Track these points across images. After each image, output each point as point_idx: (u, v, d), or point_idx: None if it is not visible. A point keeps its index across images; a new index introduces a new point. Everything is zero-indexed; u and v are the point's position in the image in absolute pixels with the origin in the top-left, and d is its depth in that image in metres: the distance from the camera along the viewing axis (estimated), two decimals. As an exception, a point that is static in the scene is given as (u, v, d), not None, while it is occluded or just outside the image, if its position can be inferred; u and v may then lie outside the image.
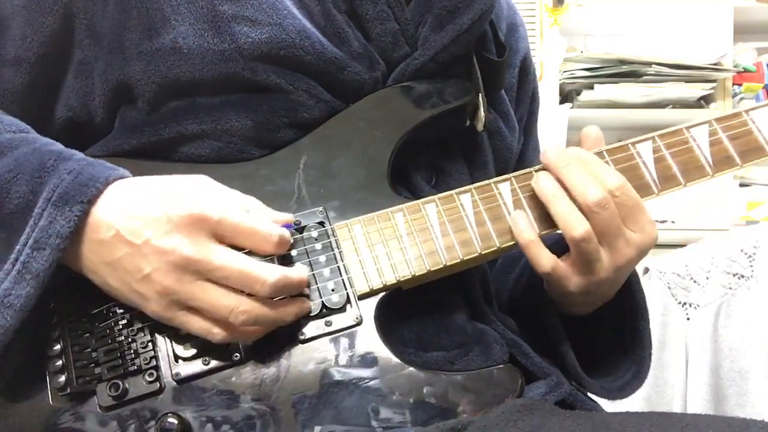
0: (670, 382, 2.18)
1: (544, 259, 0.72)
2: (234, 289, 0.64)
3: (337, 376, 0.68)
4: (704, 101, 2.58)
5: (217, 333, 0.64)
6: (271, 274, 0.63)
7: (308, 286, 0.70)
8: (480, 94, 0.83)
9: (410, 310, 0.77)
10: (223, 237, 0.64)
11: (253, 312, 0.64)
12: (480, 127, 0.83)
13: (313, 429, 0.65)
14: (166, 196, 0.65)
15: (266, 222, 0.66)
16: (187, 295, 0.63)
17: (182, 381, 0.66)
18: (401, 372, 0.68)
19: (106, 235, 0.64)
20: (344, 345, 0.69)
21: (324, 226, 0.73)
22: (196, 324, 0.65)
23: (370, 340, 0.69)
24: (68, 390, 0.65)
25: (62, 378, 0.65)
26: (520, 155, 1.01)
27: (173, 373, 0.66)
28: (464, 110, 0.82)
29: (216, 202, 0.64)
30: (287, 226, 0.69)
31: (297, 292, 0.68)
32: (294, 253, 0.71)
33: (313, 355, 0.68)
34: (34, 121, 0.77)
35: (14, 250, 0.63)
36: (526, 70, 1.01)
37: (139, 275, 0.63)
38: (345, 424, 0.66)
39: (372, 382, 0.68)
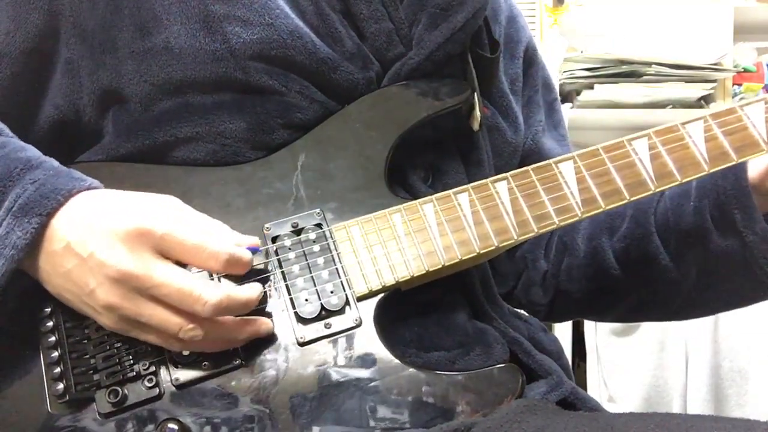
0: (670, 382, 2.18)
1: None
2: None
3: (337, 379, 0.67)
4: (704, 101, 2.58)
5: (176, 346, 0.64)
6: (213, 294, 0.62)
7: (305, 288, 0.70)
8: (475, 94, 0.83)
9: (411, 311, 0.76)
10: (168, 253, 0.63)
11: (200, 332, 0.63)
12: (476, 126, 0.83)
13: (313, 432, 0.65)
14: (118, 210, 0.64)
15: (217, 239, 0.64)
16: (134, 311, 0.62)
17: (182, 386, 0.66)
18: (401, 373, 0.68)
19: (58, 246, 0.63)
20: (344, 347, 0.69)
21: (321, 228, 0.73)
22: (151, 338, 0.64)
23: (369, 342, 0.69)
24: (67, 397, 0.65)
25: (61, 385, 0.65)
26: (537, 149, 0.99)
27: (172, 378, 0.66)
28: (460, 110, 0.82)
29: (165, 218, 0.63)
30: (253, 249, 0.67)
31: (244, 311, 0.66)
32: (292, 255, 0.71)
33: (312, 358, 0.68)
34: (19, 117, 0.77)
35: None
36: (530, 59, 1.01)
37: (87, 289, 0.62)
38: (345, 427, 0.66)
39: (372, 384, 0.67)
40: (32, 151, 0.70)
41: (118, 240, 0.62)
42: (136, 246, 0.62)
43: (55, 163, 0.69)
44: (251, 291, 0.66)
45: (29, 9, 0.76)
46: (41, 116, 0.79)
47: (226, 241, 0.66)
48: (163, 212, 0.64)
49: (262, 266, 0.69)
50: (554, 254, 0.99)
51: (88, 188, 0.66)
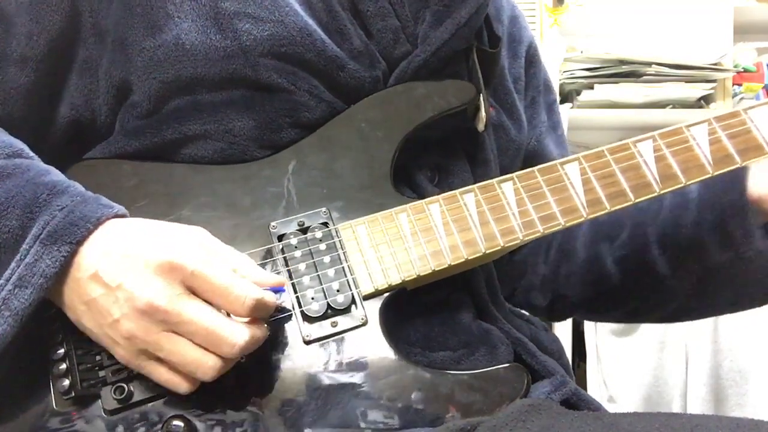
0: (670, 382, 2.19)
1: None
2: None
3: (343, 377, 0.67)
4: (704, 101, 2.58)
5: (184, 387, 0.63)
6: (241, 336, 0.61)
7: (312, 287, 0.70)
8: (481, 95, 0.83)
9: (416, 310, 0.76)
10: (197, 290, 0.62)
11: (220, 368, 0.62)
12: (481, 127, 0.83)
13: (320, 430, 0.65)
14: (148, 240, 0.63)
15: (245, 283, 0.63)
16: (154, 345, 0.62)
17: (187, 383, 0.66)
18: (407, 372, 0.68)
19: (85, 274, 0.62)
20: (350, 345, 0.69)
21: (328, 227, 0.73)
22: (163, 375, 0.63)
23: (375, 341, 0.69)
24: (72, 394, 0.65)
25: (66, 382, 0.65)
26: (540, 150, 1.01)
27: (178, 375, 0.66)
28: (465, 111, 0.82)
29: (196, 254, 0.62)
30: (277, 289, 0.66)
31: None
32: (298, 254, 0.71)
33: (318, 356, 0.68)
34: (37, 120, 0.77)
35: None
36: (531, 59, 1.02)
37: (110, 318, 0.62)
38: (351, 425, 0.66)
39: (378, 383, 0.67)
40: (56, 175, 0.69)
41: (149, 272, 0.61)
42: (167, 280, 0.61)
43: (80, 187, 0.68)
44: (267, 331, 0.65)
45: (51, 11, 0.75)
46: (58, 118, 0.78)
47: (253, 283, 0.64)
48: (194, 247, 0.63)
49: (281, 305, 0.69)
50: (553, 260, 1.00)
51: (116, 215, 0.66)
